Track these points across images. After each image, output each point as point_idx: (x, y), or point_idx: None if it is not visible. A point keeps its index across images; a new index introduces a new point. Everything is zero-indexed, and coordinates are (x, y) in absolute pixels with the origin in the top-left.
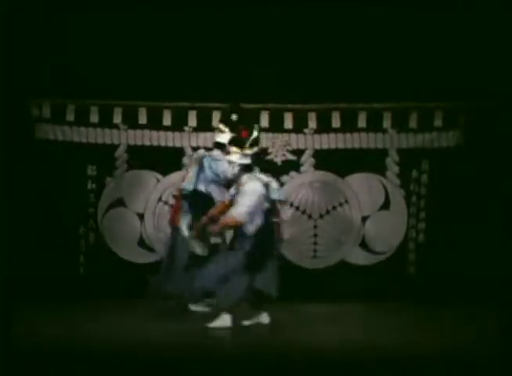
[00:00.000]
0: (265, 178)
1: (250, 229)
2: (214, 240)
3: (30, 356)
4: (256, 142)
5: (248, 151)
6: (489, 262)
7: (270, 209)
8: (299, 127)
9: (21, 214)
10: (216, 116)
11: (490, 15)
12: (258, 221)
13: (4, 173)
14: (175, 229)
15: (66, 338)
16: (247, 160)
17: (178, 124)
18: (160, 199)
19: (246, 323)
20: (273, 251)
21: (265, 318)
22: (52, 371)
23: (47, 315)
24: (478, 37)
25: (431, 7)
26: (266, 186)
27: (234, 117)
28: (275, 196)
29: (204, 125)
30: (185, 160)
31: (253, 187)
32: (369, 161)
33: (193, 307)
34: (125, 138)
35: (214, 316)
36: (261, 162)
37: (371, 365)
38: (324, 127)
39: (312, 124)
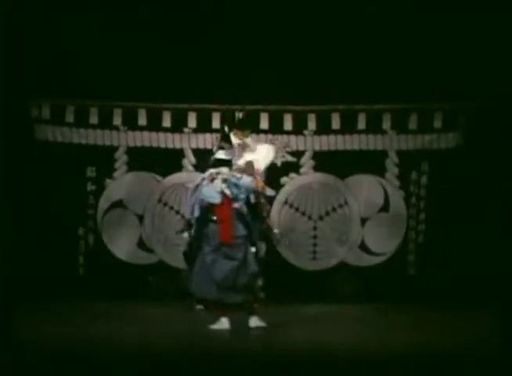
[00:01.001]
0: (205, 174)
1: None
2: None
3: (30, 356)
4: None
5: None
6: (489, 263)
7: (207, 207)
8: (299, 128)
9: (21, 215)
10: (216, 117)
11: (490, 15)
12: (196, 214)
13: (4, 174)
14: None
15: (66, 338)
16: (216, 155)
17: (178, 126)
18: (159, 200)
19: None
20: (202, 249)
21: (253, 322)
22: (52, 372)
23: (47, 315)
24: (478, 38)
25: (431, 8)
26: (202, 181)
27: (240, 115)
28: (201, 195)
29: (204, 127)
30: (185, 161)
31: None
32: (368, 163)
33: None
34: (125, 139)
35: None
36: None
37: (371, 366)
38: (324, 128)
39: (312, 125)
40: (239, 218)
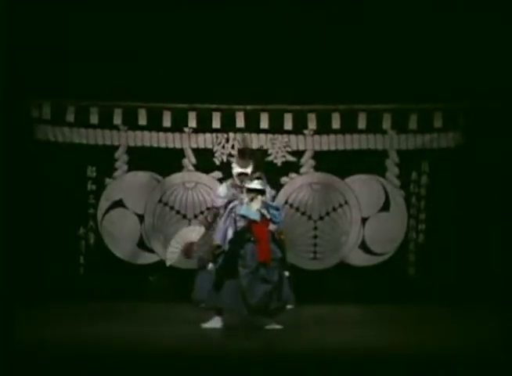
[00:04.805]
0: (242, 195)
1: (226, 245)
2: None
3: (31, 356)
4: None
5: None
6: (489, 262)
7: (245, 228)
8: (299, 128)
9: (21, 214)
10: (216, 117)
11: (490, 16)
12: (229, 236)
13: (4, 173)
14: None
15: (66, 337)
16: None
17: (178, 126)
18: (159, 200)
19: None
20: (237, 268)
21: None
22: (52, 371)
23: (47, 315)
24: (478, 38)
25: (430, 9)
26: (240, 202)
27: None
28: (241, 212)
29: (204, 126)
30: (185, 161)
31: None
32: (369, 163)
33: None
34: (125, 139)
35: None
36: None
37: (371, 366)
38: (324, 128)
39: (312, 125)
40: (273, 240)
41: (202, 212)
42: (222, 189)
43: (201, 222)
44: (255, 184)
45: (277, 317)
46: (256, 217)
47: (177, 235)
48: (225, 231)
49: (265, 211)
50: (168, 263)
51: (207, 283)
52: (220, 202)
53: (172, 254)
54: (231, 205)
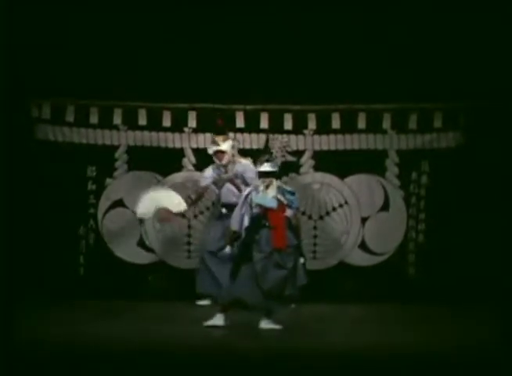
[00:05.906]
0: (258, 181)
1: (242, 232)
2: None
3: (31, 357)
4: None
5: None
6: (489, 262)
7: (260, 214)
8: (299, 128)
9: (21, 214)
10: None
11: (489, 16)
12: (245, 223)
13: (4, 173)
14: None
15: (66, 338)
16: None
17: (178, 125)
18: None
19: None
20: (252, 256)
21: (266, 323)
22: (52, 371)
23: (47, 315)
24: (478, 38)
25: (431, 8)
26: (255, 189)
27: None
28: (257, 200)
29: (204, 126)
30: (185, 161)
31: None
32: (368, 162)
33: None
34: (125, 139)
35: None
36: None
37: (371, 365)
38: (324, 128)
39: (312, 125)
40: (289, 227)
41: (202, 212)
42: (207, 171)
43: (185, 200)
44: (265, 167)
45: (289, 306)
46: (273, 205)
47: (156, 195)
48: (241, 218)
49: (281, 197)
50: (138, 216)
51: (207, 275)
52: (204, 182)
53: (144, 210)
54: (246, 192)
